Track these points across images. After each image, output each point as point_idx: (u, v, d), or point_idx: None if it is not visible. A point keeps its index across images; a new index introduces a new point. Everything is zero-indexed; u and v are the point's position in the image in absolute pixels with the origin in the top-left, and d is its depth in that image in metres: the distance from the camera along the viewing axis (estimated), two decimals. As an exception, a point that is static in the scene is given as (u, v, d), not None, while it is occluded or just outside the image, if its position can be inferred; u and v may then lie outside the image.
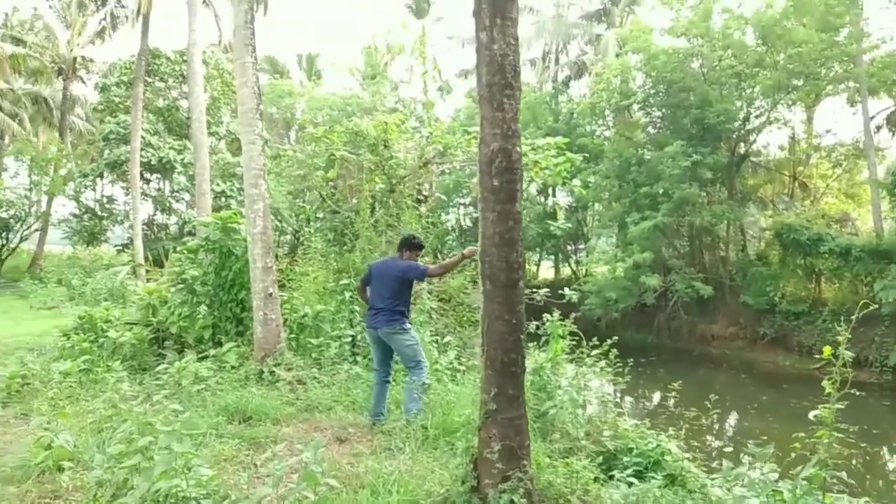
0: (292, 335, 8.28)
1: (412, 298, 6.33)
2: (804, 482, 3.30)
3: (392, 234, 9.69)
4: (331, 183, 9.90)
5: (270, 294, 7.77)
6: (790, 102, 23.24)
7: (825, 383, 3.42)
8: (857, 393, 3.63)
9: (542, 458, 4.11)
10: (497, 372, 3.57)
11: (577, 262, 29.79)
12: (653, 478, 4.71)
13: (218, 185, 23.48)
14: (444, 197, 11.19)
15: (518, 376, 3.59)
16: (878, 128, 25.01)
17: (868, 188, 24.35)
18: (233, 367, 7.41)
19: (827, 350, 3.38)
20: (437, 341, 7.99)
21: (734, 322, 22.29)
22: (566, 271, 30.96)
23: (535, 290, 9.95)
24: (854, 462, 13.22)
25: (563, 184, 9.33)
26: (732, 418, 15.51)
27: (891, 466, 12.82)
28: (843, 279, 19.82)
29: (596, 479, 4.26)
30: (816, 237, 19.30)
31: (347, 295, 8.30)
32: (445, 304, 10.02)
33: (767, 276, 21.21)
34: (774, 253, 22.09)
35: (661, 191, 21.80)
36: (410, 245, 6.30)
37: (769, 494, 3.33)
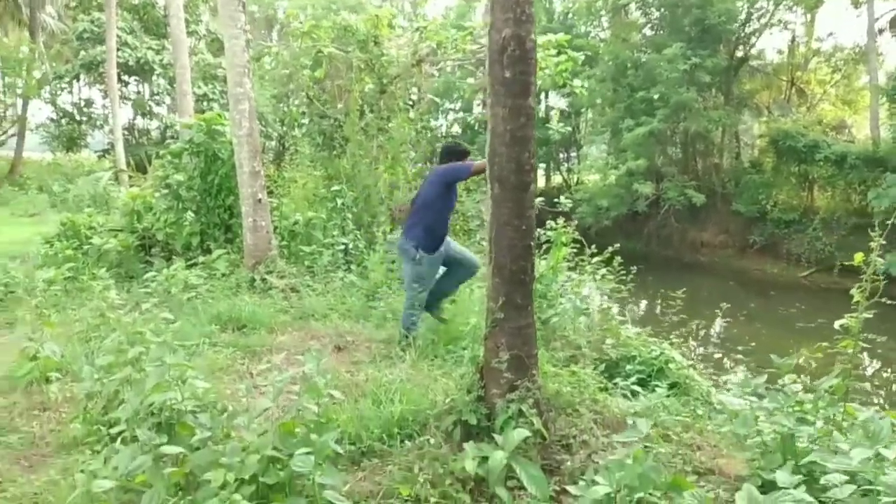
0: (283, 243, 8.06)
1: (450, 214, 5.52)
2: (826, 393, 3.17)
3: (383, 138, 9.32)
4: (318, 84, 9.42)
5: (259, 200, 7.48)
6: (792, 2, 22.40)
7: (854, 292, 3.20)
8: (888, 301, 3.44)
9: (548, 366, 3.98)
10: (505, 280, 3.36)
11: (569, 170, 29.46)
12: (657, 386, 4.64)
13: (199, 87, 22.60)
14: (437, 99, 10.71)
15: (527, 284, 3.39)
16: (881, 31, 24.22)
17: (866, 94, 23.88)
18: (223, 275, 7.21)
19: (858, 257, 3.16)
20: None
21: (724, 230, 22.28)
22: (557, 179, 30.64)
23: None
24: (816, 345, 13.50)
25: (563, 85, 8.92)
26: (721, 325, 15.70)
27: (858, 362, 13.09)
28: (837, 187, 19.68)
29: (603, 389, 4.16)
30: (812, 144, 19.01)
31: (339, 202, 8.02)
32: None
33: (760, 184, 21.05)
34: (768, 160, 21.83)
35: (657, 95, 21.25)
36: (452, 153, 5.49)
37: (792, 406, 3.22)
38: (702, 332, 14.90)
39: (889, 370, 13.03)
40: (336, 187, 8.14)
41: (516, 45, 3.20)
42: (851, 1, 22.49)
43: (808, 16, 24.07)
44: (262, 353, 5.16)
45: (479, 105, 29.65)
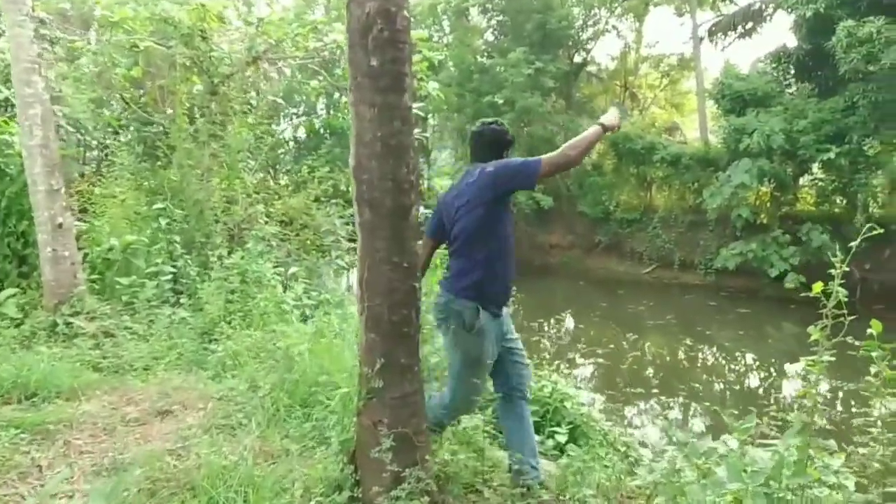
0: (96, 275, 6.66)
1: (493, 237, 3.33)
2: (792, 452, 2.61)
3: (216, 146, 8.13)
4: (135, 84, 8.03)
5: (60, 224, 6.07)
6: (623, 11, 23.39)
7: (812, 330, 2.65)
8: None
9: (442, 439, 3.18)
10: (384, 335, 2.54)
11: (420, 177, 28.97)
12: (555, 431, 4.00)
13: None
14: (279, 101, 9.58)
15: (412, 338, 2.59)
16: (701, 39, 26.00)
17: (691, 98, 25.50)
18: (14, 322, 5.75)
19: (816, 287, 2.60)
20: (279, 274, 6.76)
21: (572, 231, 22.78)
22: (406, 185, 30.08)
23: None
24: (679, 356, 13.97)
25: (420, 88, 8.18)
26: (577, 326, 15.79)
27: (709, 362, 13.61)
28: (673, 187, 20.66)
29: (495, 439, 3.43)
30: (649, 146, 19.83)
31: (164, 222, 6.75)
32: (286, 227, 8.73)
33: (603, 186, 21.70)
34: (609, 162, 22.58)
35: (502, 100, 21.30)
36: (497, 142, 3.66)
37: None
38: (560, 338, 14.87)
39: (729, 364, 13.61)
40: (159, 204, 6.85)
41: (384, 23, 2.38)
42: (675, 10, 23.91)
43: (638, 23, 25.30)
44: (58, 431, 3.93)
45: (322, 109, 28.45)
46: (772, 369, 12.91)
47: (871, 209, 16.02)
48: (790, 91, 18.17)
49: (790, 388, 11.68)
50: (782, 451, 2.44)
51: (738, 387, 11.36)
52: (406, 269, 2.50)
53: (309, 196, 8.98)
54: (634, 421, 9.70)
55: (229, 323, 5.84)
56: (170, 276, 6.46)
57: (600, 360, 12.04)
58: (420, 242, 2.62)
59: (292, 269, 6.86)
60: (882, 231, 2.73)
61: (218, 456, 3.34)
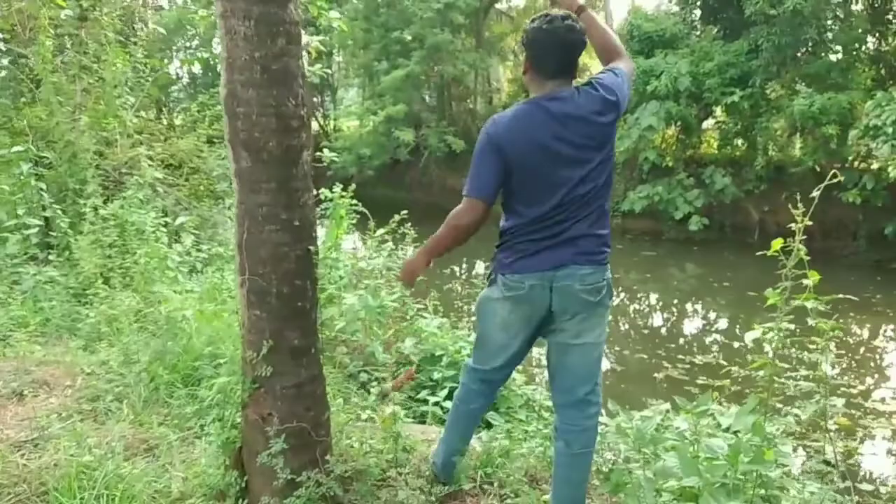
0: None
1: None
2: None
3: (91, 79, 7.18)
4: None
5: None
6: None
7: (769, 293, 2.34)
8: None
9: (343, 415, 2.74)
10: (271, 312, 2.06)
11: (325, 116, 27.81)
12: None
13: None
14: (163, 31, 8.55)
15: (307, 315, 2.12)
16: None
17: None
18: None
19: (776, 244, 2.28)
20: (166, 224, 6.04)
21: (483, 174, 22.46)
22: (314, 126, 28.86)
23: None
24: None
25: (318, 15, 7.43)
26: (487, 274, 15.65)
27: (617, 304, 13.84)
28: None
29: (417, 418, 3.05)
30: (560, 87, 19.58)
31: (26, 167, 5.86)
32: (174, 171, 7.92)
33: (513, 128, 21.41)
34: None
35: (411, 37, 20.48)
36: (578, 42, 2.39)
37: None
38: (471, 284, 14.70)
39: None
40: (19, 147, 5.93)
41: None
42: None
43: (548, -39, 24.73)
44: None
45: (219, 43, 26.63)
46: (674, 310, 13.24)
47: (770, 152, 16.48)
48: (697, 33, 18.24)
49: (692, 328, 12.01)
50: (741, 437, 2.14)
51: (645, 330, 11.52)
52: (297, 227, 2.02)
53: (200, 137, 8.16)
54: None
55: (107, 282, 5.14)
56: (36, 230, 5.64)
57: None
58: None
59: (180, 219, 6.13)
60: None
61: (80, 449, 2.79)
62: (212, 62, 25.89)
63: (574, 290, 2.40)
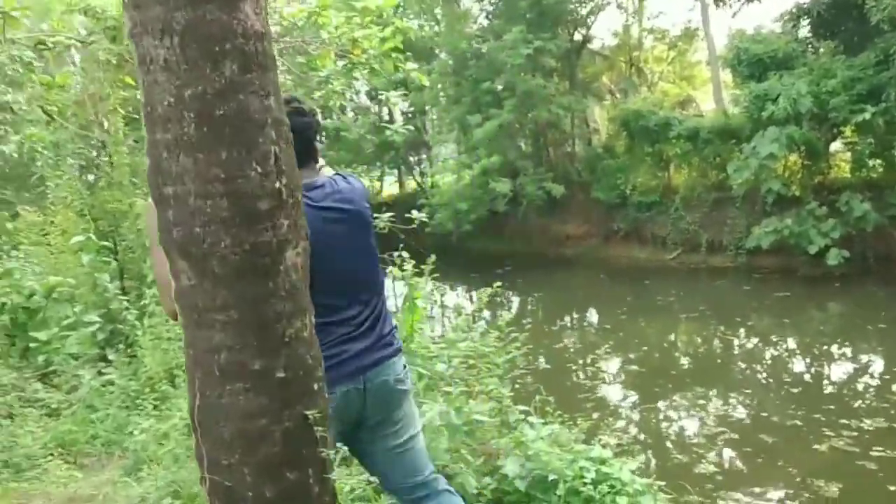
0: (14, 332, 5.42)
1: None
2: None
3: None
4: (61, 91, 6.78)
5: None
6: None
7: None
8: None
9: None
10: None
11: (422, 174, 27.67)
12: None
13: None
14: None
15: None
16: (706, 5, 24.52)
17: (702, 69, 23.99)
18: None
19: None
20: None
21: (587, 220, 21.38)
22: (411, 185, 28.80)
23: (374, 215, 7.66)
24: (713, 346, 12.59)
25: (396, 69, 6.86)
26: (603, 326, 14.42)
27: (756, 355, 12.25)
28: (692, 164, 19.20)
29: None
30: (664, 122, 18.37)
31: (86, 258, 5.48)
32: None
33: (616, 169, 20.27)
34: (621, 143, 21.16)
35: (501, 86, 20.00)
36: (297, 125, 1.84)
37: None
38: (587, 342, 13.53)
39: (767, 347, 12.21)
40: (78, 237, 5.56)
41: None
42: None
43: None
44: None
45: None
46: (822, 359, 11.51)
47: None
48: (812, 50, 16.63)
49: (848, 381, 10.31)
50: None
51: (793, 386, 9.94)
52: (283, 383, 1.21)
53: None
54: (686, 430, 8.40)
55: (172, 381, 4.55)
56: (96, 326, 5.18)
57: (634, 367, 10.67)
58: (316, 316, 1.34)
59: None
60: None
61: None
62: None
63: (390, 386, 2.13)
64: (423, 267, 4.08)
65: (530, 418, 3.26)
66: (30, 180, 9.89)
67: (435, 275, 4.03)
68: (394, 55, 6.84)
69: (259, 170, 1.19)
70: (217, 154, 1.17)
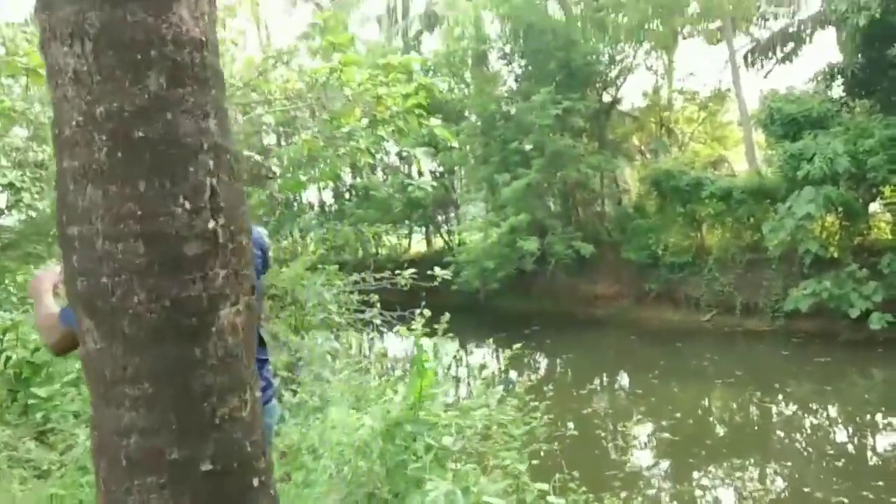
0: (17, 387, 5.25)
1: None
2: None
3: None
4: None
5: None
6: (651, 47, 22.06)
7: None
8: None
9: None
10: None
11: (450, 232, 27.60)
12: None
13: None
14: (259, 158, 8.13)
15: None
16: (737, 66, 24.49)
17: (733, 129, 23.79)
18: None
19: None
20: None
21: (617, 280, 20.96)
22: (438, 242, 28.73)
23: (395, 272, 7.48)
24: (750, 414, 11.93)
25: (420, 126, 6.78)
26: (634, 391, 13.87)
27: (787, 417, 11.60)
28: (725, 224, 18.81)
29: None
30: (696, 182, 18.11)
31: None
32: (277, 302, 7.32)
33: (647, 229, 19.93)
34: (652, 203, 20.89)
35: (530, 146, 20.00)
36: None
37: None
38: (617, 407, 12.98)
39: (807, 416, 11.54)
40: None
41: None
42: (705, 40, 22.45)
43: (668, 56, 23.87)
44: None
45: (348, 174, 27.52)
46: (867, 430, 10.82)
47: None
48: (847, 110, 16.35)
49: (888, 445, 9.62)
50: None
51: (836, 459, 9.30)
52: (211, 476, 0.96)
53: (304, 264, 7.56)
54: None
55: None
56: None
57: (666, 436, 10.12)
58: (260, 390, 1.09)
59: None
60: None
61: None
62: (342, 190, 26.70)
63: None
64: (437, 326, 3.84)
65: (550, 498, 2.93)
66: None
67: (450, 334, 3.76)
68: (417, 111, 6.77)
69: (188, 206, 0.97)
70: (133, 185, 0.95)
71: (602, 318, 20.36)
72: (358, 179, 26.67)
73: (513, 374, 14.98)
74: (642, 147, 24.39)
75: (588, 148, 21.29)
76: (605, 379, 15.25)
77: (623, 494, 7.44)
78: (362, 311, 7.49)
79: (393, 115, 6.80)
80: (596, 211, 22.54)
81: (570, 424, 11.24)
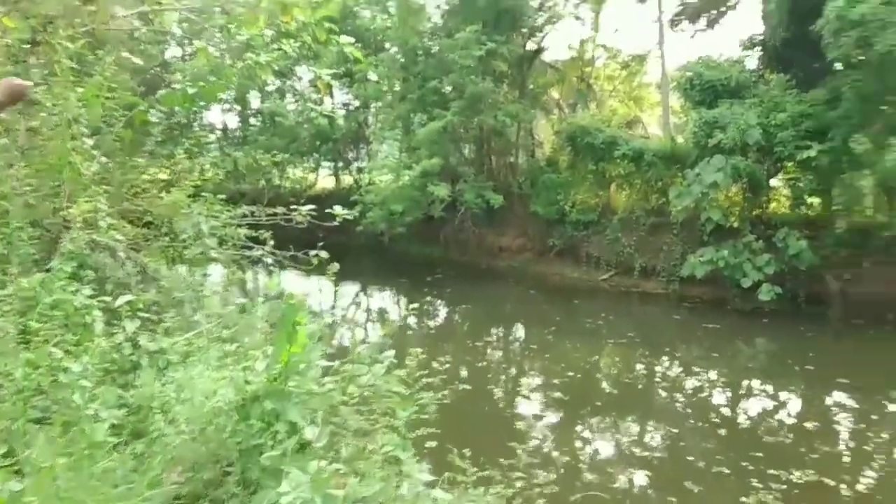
0: None
1: None
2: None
3: (42, 117, 5.84)
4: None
5: None
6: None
7: None
8: None
9: None
10: None
11: (359, 170, 26.65)
12: None
13: None
14: (138, 61, 7.07)
15: None
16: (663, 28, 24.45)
17: (652, 91, 23.90)
18: None
19: None
20: (105, 303, 4.46)
21: (523, 233, 20.87)
22: (347, 180, 27.73)
23: (292, 207, 6.74)
24: (638, 372, 12.12)
25: (329, 42, 5.98)
26: (529, 347, 13.82)
27: (671, 376, 11.89)
28: (634, 186, 18.92)
29: None
30: (610, 140, 18.03)
31: None
32: (153, 231, 6.48)
33: (557, 184, 19.83)
34: (564, 159, 20.78)
35: (450, 87, 19.30)
36: None
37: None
38: (511, 361, 12.88)
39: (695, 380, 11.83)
40: None
41: None
42: (635, -2, 22.19)
43: (595, 11, 23.48)
44: None
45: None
46: (750, 399, 11.17)
47: (853, 214, 14.52)
48: (765, 82, 16.54)
49: (776, 425, 9.93)
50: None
51: (720, 427, 9.48)
52: None
53: (185, 191, 6.70)
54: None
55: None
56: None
57: (557, 395, 10.04)
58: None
59: (121, 300, 4.55)
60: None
61: None
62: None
63: None
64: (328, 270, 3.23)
65: (434, 493, 2.45)
66: None
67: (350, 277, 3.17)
68: (328, 24, 5.98)
69: None
70: None
71: (505, 271, 20.30)
72: (266, 104, 25.16)
73: (412, 321, 14.66)
74: (561, 101, 24.11)
75: (508, 96, 20.78)
76: (501, 332, 15.15)
77: (511, 445, 7.21)
78: (251, 248, 6.74)
79: (300, 27, 5.99)
80: (509, 162, 22.21)
81: (464, 371, 11.03)
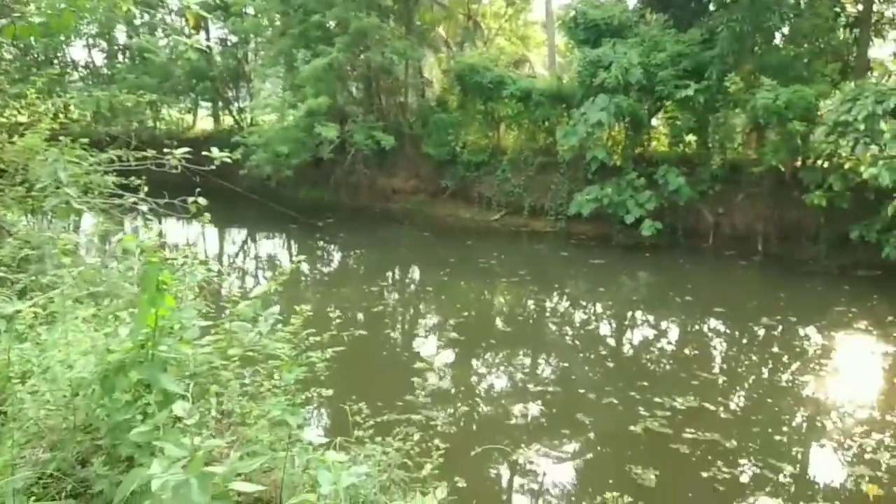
0: None
1: None
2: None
3: None
4: None
5: None
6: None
7: None
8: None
9: None
10: None
11: (241, 110, 25.30)
12: None
13: None
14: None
15: None
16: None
17: (538, 30, 23.94)
18: None
19: None
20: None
21: (415, 175, 20.69)
22: (228, 121, 26.28)
23: (165, 151, 6.18)
24: (529, 309, 12.47)
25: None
26: (425, 289, 13.81)
27: (560, 311, 12.30)
28: (522, 126, 19.05)
29: None
30: (498, 79, 17.97)
31: None
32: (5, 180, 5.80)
33: (448, 124, 19.65)
34: (454, 98, 20.57)
35: (334, 21, 18.45)
36: None
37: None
38: (407, 304, 12.83)
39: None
40: None
41: None
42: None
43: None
44: None
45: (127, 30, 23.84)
46: (634, 329, 11.72)
47: (727, 151, 15.28)
48: (646, 22, 16.86)
49: (659, 354, 10.46)
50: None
51: (608, 359, 9.89)
52: None
53: (41, 135, 6.02)
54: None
55: None
56: None
57: (453, 335, 10.10)
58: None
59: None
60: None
61: None
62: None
63: None
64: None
65: (329, 454, 2.28)
66: None
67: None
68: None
69: None
70: None
71: (398, 213, 20.11)
72: (133, 39, 23.21)
73: (305, 268, 14.27)
74: (448, 39, 23.73)
75: (395, 32, 20.15)
76: (396, 275, 15.05)
77: (410, 384, 7.19)
78: (121, 196, 6.17)
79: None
80: (399, 102, 21.74)
81: (360, 317, 10.89)
